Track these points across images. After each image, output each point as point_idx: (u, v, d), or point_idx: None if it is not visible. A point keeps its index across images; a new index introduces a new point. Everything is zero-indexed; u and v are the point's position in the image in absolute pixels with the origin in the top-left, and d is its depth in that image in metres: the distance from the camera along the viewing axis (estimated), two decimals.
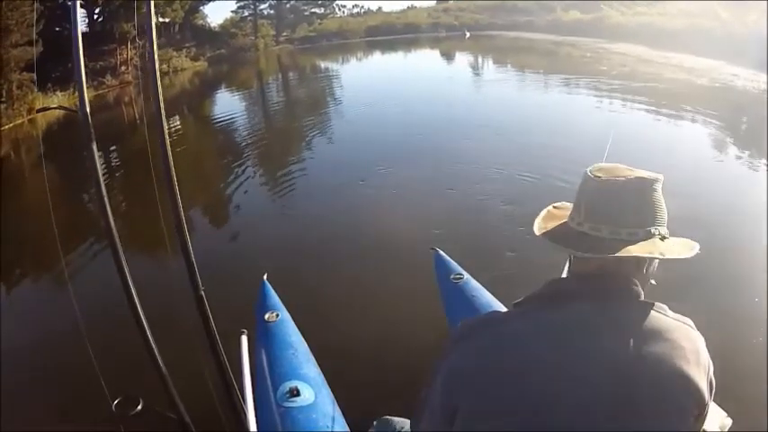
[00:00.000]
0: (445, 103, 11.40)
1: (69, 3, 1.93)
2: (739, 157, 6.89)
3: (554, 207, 0.97)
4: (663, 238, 0.82)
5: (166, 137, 1.95)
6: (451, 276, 2.68)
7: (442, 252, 2.95)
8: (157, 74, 1.96)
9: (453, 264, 2.81)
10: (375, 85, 16.59)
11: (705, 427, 1.39)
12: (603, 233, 0.82)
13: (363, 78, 19.36)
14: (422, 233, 4.44)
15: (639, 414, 0.73)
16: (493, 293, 2.52)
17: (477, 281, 2.63)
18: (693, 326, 0.83)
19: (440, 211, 5.07)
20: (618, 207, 0.82)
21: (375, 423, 1.19)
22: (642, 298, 0.81)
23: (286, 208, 5.92)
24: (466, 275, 2.67)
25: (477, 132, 8.34)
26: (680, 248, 0.83)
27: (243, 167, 8.00)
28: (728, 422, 1.42)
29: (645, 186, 0.82)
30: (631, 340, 0.75)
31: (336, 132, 9.95)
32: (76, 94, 1.86)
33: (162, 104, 1.95)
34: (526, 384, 0.75)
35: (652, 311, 0.79)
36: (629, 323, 0.77)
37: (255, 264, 3.50)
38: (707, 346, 0.84)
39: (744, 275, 3.63)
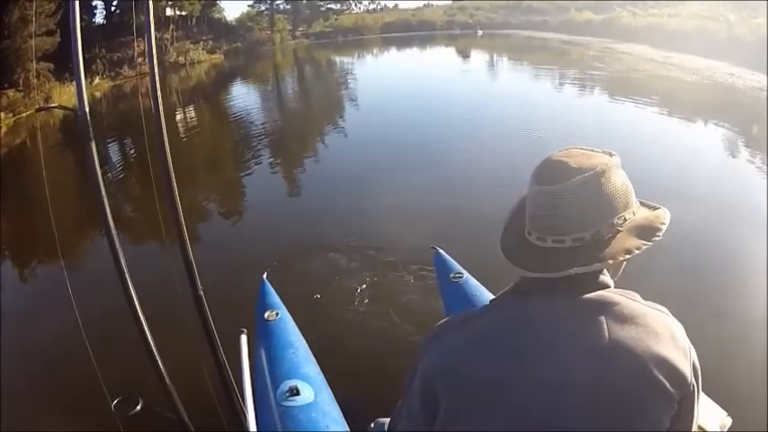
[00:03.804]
0: (454, 101, 11.56)
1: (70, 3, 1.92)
2: (703, 145, 7.45)
3: None
4: (617, 232, 0.78)
5: (165, 139, 1.95)
6: (451, 275, 2.67)
7: (441, 251, 2.95)
8: (156, 79, 1.96)
9: (453, 262, 2.80)
10: (386, 81, 16.75)
11: (705, 426, 1.39)
12: (548, 243, 0.79)
13: (377, 75, 19.60)
14: (423, 231, 4.44)
15: (620, 399, 0.73)
16: (493, 292, 2.51)
17: (477, 279, 2.63)
18: (668, 313, 0.82)
19: (441, 209, 5.08)
20: (561, 214, 0.78)
21: (372, 425, 1.18)
22: (612, 287, 0.80)
23: (287, 206, 5.93)
24: (465, 274, 2.67)
25: (481, 130, 8.41)
26: (633, 241, 0.78)
27: (248, 164, 8.04)
28: (728, 421, 1.42)
29: (589, 186, 0.77)
30: (602, 326, 0.74)
31: (346, 129, 10.03)
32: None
33: (161, 108, 1.95)
34: (503, 377, 0.75)
35: (622, 299, 0.77)
36: (599, 311, 0.76)
37: (255, 262, 3.50)
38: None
39: (744, 275, 3.62)
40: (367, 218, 5.07)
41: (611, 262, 0.76)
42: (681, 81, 12.53)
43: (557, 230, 0.79)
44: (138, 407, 2.00)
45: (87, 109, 1.82)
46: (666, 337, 0.76)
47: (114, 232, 1.88)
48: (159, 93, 1.98)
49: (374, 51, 28.23)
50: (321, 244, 4.60)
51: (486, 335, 0.79)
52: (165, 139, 1.96)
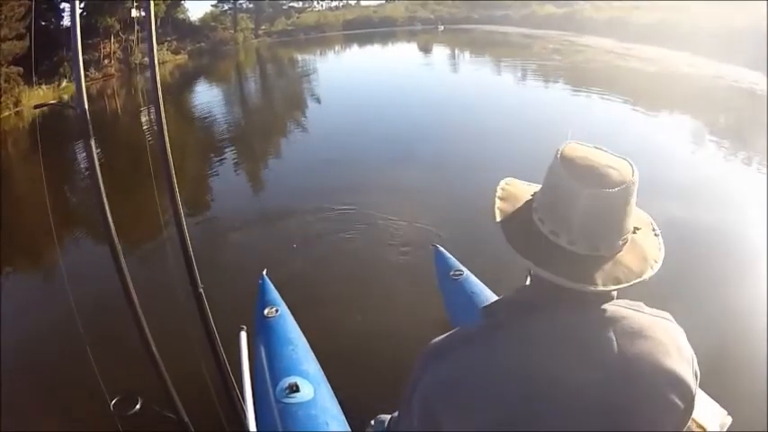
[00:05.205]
0: (431, 97, 11.64)
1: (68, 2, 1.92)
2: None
3: (507, 185, 0.87)
4: (635, 230, 0.78)
5: (166, 138, 1.94)
6: (451, 272, 2.69)
7: (442, 248, 2.96)
8: (157, 74, 1.95)
9: (453, 260, 2.82)
10: (349, 78, 16.79)
11: (705, 426, 1.40)
12: (580, 248, 0.74)
13: (340, 71, 19.66)
14: (422, 228, 4.46)
15: (629, 415, 0.72)
16: (492, 290, 2.52)
17: (477, 277, 2.65)
18: (672, 319, 0.81)
19: (440, 206, 5.08)
20: (609, 220, 0.74)
21: (372, 422, 1.18)
22: (615, 297, 0.78)
23: (286, 203, 5.90)
24: (466, 272, 2.68)
25: (446, 124, 8.56)
26: (649, 239, 0.79)
27: (241, 163, 8.00)
28: (728, 420, 1.42)
29: (633, 187, 0.74)
30: (612, 343, 0.73)
31: (331, 127, 9.88)
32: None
33: (162, 105, 1.94)
34: (507, 401, 0.73)
35: (628, 311, 0.76)
36: (607, 326, 0.74)
37: (255, 259, 3.51)
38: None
39: (743, 275, 3.64)
40: (366, 214, 5.07)
41: (650, 272, 0.75)
42: (640, 72, 12.86)
43: (597, 237, 0.74)
44: (137, 406, 1.99)
45: (86, 105, 1.80)
46: (674, 348, 0.76)
47: (113, 230, 1.87)
48: (160, 91, 1.97)
49: (336, 49, 28.47)
50: (320, 240, 4.61)
51: (490, 359, 0.76)
52: (166, 137, 1.96)
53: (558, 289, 0.75)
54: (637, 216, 0.80)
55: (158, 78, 1.97)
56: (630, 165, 0.76)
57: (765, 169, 5.74)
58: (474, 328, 0.81)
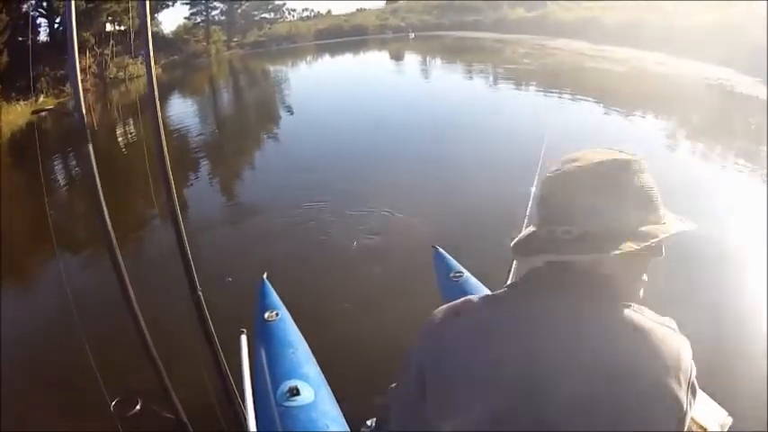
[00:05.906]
0: (403, 102, 11.96)
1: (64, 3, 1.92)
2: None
3: None
4: (611, 235, 0.74)
5: (164, 141, 1.94)
6: (451, 274, 2.67)
7: (441, 250, 2.94)
8: (154, 77, 1.95)
9: (453, 261, 2.80)
10: (321, 89, 16.98)
11: (705, 426, 1.39)
12: (543, 233, 0.79)
13: (315, 81, 20.03)
14: (421, 230, 4.44)
15: (612, 413, 0.71)
16: (493, 291, 2.50)
17: (478, 278, 2.63)
18: (675, 327, 0.78)
19: (439, 208, 5.07)
20: (552, 202, 0.78)
21: (369, 423, 1.18)
22: (622, 300, 0.77)
23: (285, 207, 5.93)
24: (466, 273, 2.67)
25: (417, 129, 8.76)
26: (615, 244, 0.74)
27: (237, 167, 8.02)
28: (729, 421, 1.41)
29: (581, 178, 0.75)
30: (606, 340, 0.72)
31: (325, 131, 9.93)
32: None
33: (159, 108, 1.94)
34: (496, 373, 0.74)
35: (629, 312, 0.75)
36: (604, 322, 0.74)
37: (255, 263, 3.51)
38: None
39: (743, 274, 3.63)
40: (365, 217, 5.07)
41: (580, 257, 0.75)
42: (609, 72, 13.17)
43: (549, 219, 0.79)
44: (137, 407, 2.00)
45: (84, 111, 1.80)
46: (670, 357, 0.73)
47: (113, 234, 1.87)
48: (156, 94, 1.97)
49: (308, 59, 28.92)
50: (321, 244, 4.61)
51: (484, 332, 0.77)
52: (164, 140, 1.96)
53: (560, 275, 0.77)
54: (644, 227, 0.77)
55: (155, 83, 1.96)
56: (597, 160, 0.77)
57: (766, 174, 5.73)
58: (473, 301, 0.83)
